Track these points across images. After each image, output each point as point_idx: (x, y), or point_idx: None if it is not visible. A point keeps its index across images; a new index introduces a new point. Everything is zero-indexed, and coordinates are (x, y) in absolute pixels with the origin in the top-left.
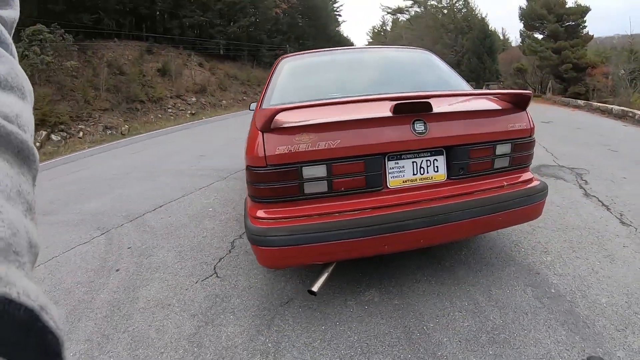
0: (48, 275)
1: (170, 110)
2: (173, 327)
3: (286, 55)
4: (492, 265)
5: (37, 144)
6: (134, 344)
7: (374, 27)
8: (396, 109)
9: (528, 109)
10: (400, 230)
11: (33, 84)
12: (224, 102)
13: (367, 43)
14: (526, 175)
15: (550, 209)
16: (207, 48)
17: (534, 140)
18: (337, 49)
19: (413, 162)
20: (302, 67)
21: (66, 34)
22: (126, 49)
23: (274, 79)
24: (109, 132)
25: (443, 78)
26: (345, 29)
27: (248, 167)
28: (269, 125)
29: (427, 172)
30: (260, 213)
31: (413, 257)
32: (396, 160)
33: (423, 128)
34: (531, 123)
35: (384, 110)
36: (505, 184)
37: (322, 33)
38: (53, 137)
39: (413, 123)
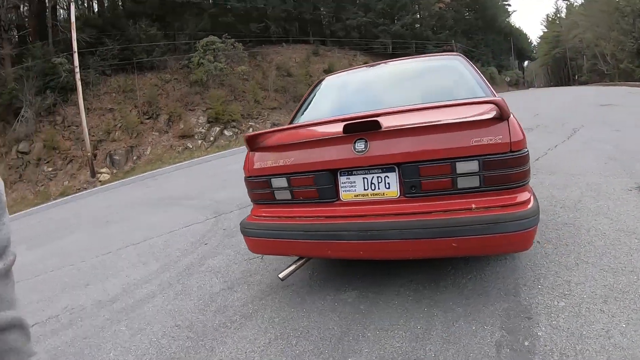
0: (163, 242)
1: None
2: (208, 286)
3: (329, 74)
4: (487, 296)
5: (212, 138)
6: (183, 293)
7: (547, 16)
8: (345, 129)
9: (515, 119)
10: (337, 239)
11: (208, 87)
12: None
13: (541, 33)
14: (521, 197)
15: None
16: (373, 48)
17: (522, 157)
18: (371, 65)
19: (364, 178)
20: (333, 85)
21: (237, 43)
22: (294, 52)
23: (309, 97)
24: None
25: (459, 87)
26: (516, 19)
27: (244, 177)
28: (252, 146)
29: (378, 188)
30: (254, 212)
31: (414, 271)
32: (347, 175)
33: (363, 147)
34: (513, 136)
35: (338, 130)
36: (474, 206)
37: (491, 25)
38: (226, 132)
39: (355, 142)
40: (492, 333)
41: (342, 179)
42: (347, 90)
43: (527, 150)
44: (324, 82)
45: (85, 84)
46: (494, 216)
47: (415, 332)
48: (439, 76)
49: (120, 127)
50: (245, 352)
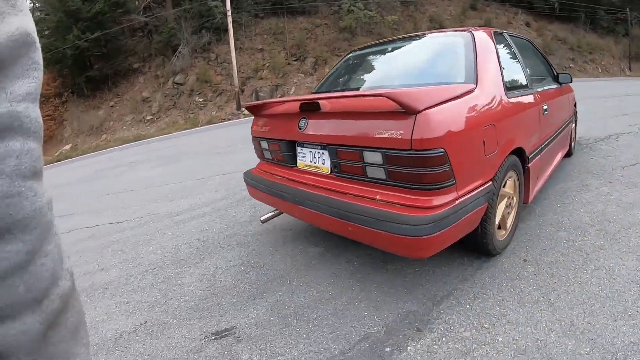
0: (240, 177)
1: None
2: (239, 216)
3: (356, 48)
4: (408, 293)
5: None
6: (220, 218)
7: None
8: (300, 107)
9: (438, 114)
10: (283, 199)
11: (356, 35)
12: None
13: None
14: (429, 201)
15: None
16: (536, 7)
17: (428, 157)
18: (384, 42)
19: (310, 152)
20: (348, 61)
21: None
22: (450, 4)
23: (333, 70)
24: None
25: (441, 71)
26: None
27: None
28: (253, 113)
29: (317, 163)
30: (257, 165)
31: (419, 279)
32: (301, 147)
33: (303, 124)
34: (417, 133)
35: (296, 107)
36: (378, 197)
37: None
38: None
39: (300, 120)
40: (374, 325)
41: (298, 149)
42: (350, 68)
43: (442, 151)
44: (347, 57)
45: (238, 25)
46: (387, 213)
47: (324, 295)
48: (433, 57)
49: (268, 66)
50: (215, 267)
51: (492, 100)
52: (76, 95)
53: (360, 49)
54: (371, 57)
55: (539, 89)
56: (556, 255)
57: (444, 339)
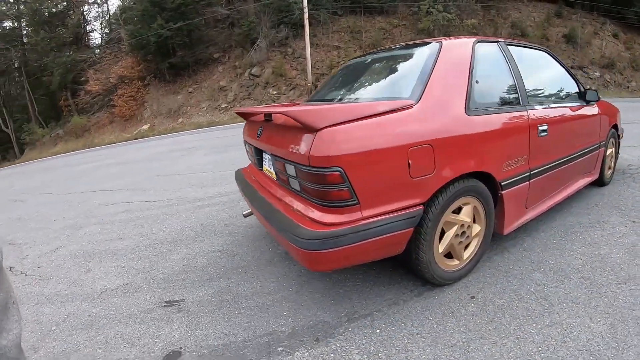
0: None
1: None
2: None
3: (352, 57)
4: (337, 303)
5: None
6: (232, 208)
7: None
8: (265, 117)
9: (337, 133)
10: (247, 198)
11: (433, 37)
12: (632, 83)
13: None
14: (325, 217)
15: None
16: (626, 17)
17: (321, 174)
18: (365, 54)
19: (268, 157)
20: (343, 70)
21: None
22: (534, 10)
23: (327, 79)
24: None
25: (399, 84)
26: None
27: None
28: (243, 118)
29: (271, 168)
30: (248, 165)
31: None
32: (265, 152)
33: (259, 133)
34: (314, 150)
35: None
36: (294, 207)
37: None
38: None
39: (258, 129)
40: (284, 325)
41: (263, 154)
42: (338, 78)
43: (338, 170)
44: (343, 66)
45: (316, 21)
46: (290, 223)
47: (264, 290)
48: (395, 70)
49: (342, 63)
50: (200, 250)
51: (434, 118)
52: (158, 80)
53: (354, 59)
54: (355, 68)
55: (539, 107)
56: (512, 299)
57: (332, 355)
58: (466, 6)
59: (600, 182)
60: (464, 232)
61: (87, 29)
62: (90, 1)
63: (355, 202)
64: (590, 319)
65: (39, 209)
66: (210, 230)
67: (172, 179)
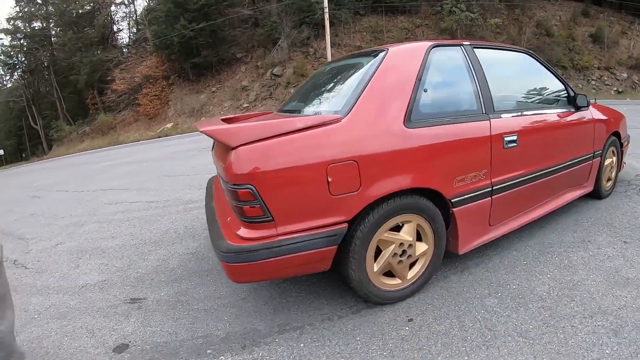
0: None
1: (593, 82)
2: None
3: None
4: (275, 313)
5: None
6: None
7: None
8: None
9: (250, 151)
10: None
11: (455, 37)
12: None
13: None
14: (241, 231)
15: None
16: None
17: (234, 191)
18: (338, 59)
19: None
20: (310, 79)
21: None
22: (560, 9)
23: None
24: None
25: (334, 97)
26: None
27: None
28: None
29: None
30: None
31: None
32: None
33: (212, 147)
34: (228, 167)
35: None
36: (229, 219)
37: None
38: None
39: (213, 142)
40: (221, 329)
41: None
42: (303, 87)
43: (249, 188)
44: (312, 74)
45: (338, 21)
46: (217, 234)
47: (216, 294)
48: (338, 81)
49: None
50: (175, 252)
51: (362, 133)
52: (182, 79)
53: (322, 66)
54: (316, 78)
55: (508, 115)
56: (453, 326)
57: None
58: (490, 5)
59: (596, 195)
60: (404, 252)
61: (114, 29)
62: (117, 2)
63: (269, 218)
64: (535, 358)
65: (51, 206)
66: (190, 233)
67: (175, 179)
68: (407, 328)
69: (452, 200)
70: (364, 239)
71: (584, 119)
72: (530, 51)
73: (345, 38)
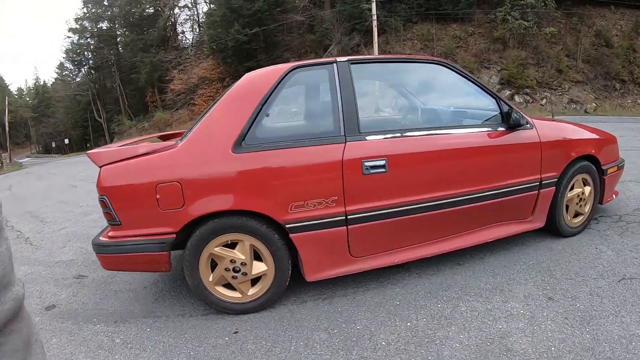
0: None
1: None
2: None
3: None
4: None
5: None
6: None
7: None
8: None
9: (105, 170)
10: None
11: (507, 47)
12: None
13: None
14: (109, 232)
15: None
16: None
17: (102, 200)
18: None
19: None
20: None
21: (548, 0)
22: (622, 18)
23: None
24: (573, 106)
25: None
26: None
27: None
28: None
29: None
30: None
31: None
32: None
33: None
34: (97, 181)
35: None
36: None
37: None
38: (516, 98)
39: None
40: (115, 307)
41: None
42: None
43: (104, 198)
44: None
45: (390, 29)
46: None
47: (144, 274)
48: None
49: None
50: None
51: (188, 158)
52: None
53: None
54: None
55: (378, 137)
56: (265, 349)
57: (112, 335)
58: (545, 13)
59: (558, 231)
60: (238, 269)
61: (177, 30)
62: (181, 5)
63: (118, 223)
64: None
65: (80, 196)
66: None
67: None
68: (226, 338)
69: (288, 226)
70: (193, 251)
71: (521, 140)
72: (445, 61)
73: (396, 46)
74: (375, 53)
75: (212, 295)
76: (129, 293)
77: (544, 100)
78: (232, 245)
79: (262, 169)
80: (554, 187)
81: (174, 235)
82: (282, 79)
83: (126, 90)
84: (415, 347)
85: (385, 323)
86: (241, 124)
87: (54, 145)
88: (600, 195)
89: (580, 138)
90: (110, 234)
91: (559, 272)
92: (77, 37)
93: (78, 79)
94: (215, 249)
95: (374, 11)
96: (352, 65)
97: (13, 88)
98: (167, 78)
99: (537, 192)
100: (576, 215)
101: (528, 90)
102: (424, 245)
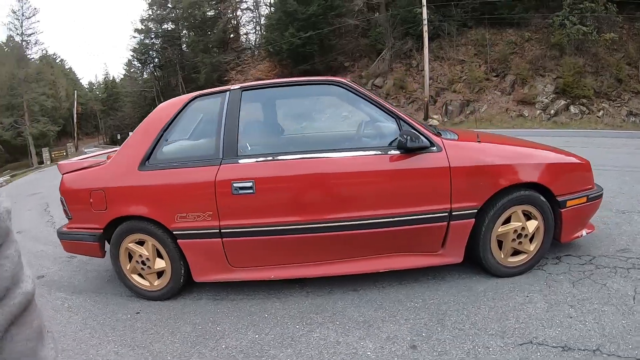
0: None
1: None
2: None
3: None
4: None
5: (553, 111)
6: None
7: None
8: None
9: (65, 177)
10: None
11: (564, 54)
12: None
13: None
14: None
15: None
16: None
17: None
18: None
19: None
20: None
21: (609, 4)
22: None
23: None
24: (632, 119)
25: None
26: None
27: None
28: None
29: None
30: None
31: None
32: None
33: None
34: (60, 185)
35: None
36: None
37: None
38: (572, 108)
39: None
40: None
41: None
42: None
43: (61, 198)
44: None
45: (444, 33)
46: None
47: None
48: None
49: (464, 79)
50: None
51: (109, 172)
52: None
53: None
54: None
55: (250, 160)
56: (155, 330)
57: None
58: (606, 18)
59: (490, 270)
60: (144, 262)
61: (239, 32)
62: (243, 7)
63: (70, 217)
64: None
65: None
66: None
67: None
68: (128, 315)
69: (175, 232)
70: (115, 244)
71: (421, 165)
72: (341, 82)
73: (450, 51)
74: (425, 58)
75: (128, 281)
76: (94, 273)
77: (601, 112)
78: (142, 243)
79: (156, 185)
80: (472, 219)
81: (102, 230)
82: (183, 108)
83: (187, 88)
84: (243, 357)
85: (240, 330)
86: (146, 147)
87: (119, 137)
88: (558, 231)
89: (516, 163)
90: (67, 225)
91: (453, 318)
92: (142, 37)
93: (145, 76)
94: (129, 244)
95: (424, 15)
96: (243, 92)
97: (84, 82)
98: (226, 79)
99: (446, 223)
100: (513, 253)
101: (584, 101)
102: (307, 266)
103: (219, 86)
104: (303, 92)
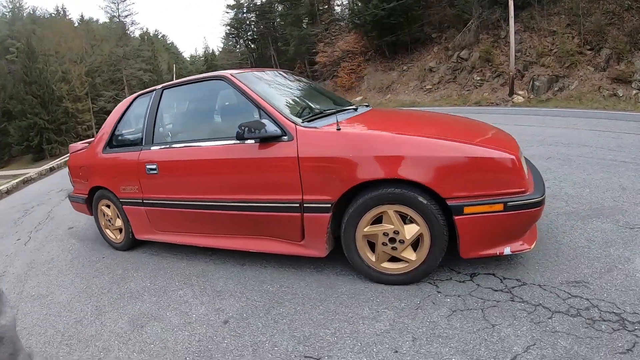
0: None
1: None
2: None
3: None
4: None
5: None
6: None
7: None
8: None
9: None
10: None
11: None
12: None
13: None
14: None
15: None
16: None
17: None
18: None
19: None
20: None
21: None
22: None
23: None
24: None
25: None
26: None
27: None
28: None
29: None
30: None
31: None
32: None
33: None
34: (68, 162)
35: None
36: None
37: None
38: None
39: None
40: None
41: None
42: None
43: (68, 172)
44: None
45: (536, 2)
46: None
47: (102, 252)
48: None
49: (555, 52)
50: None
51: (86, 155)
52: (378, 55)
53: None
54: None
55: (156, 147)
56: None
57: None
58: None
59: (360, 273)
60: (110, 220)
61: (331, 4)
62: None
63: (73, 186)
64: None
65: None
66: None
67: None
68: (96, 258)
69: (121, 200)
70: (94, 206)
71: (267, 155)
72: (225, 76)
73: (542, 21)
74: (511, 28)
75: (103, 234)
76: (92, 228)
77: None
78: (109, 207)
79: (110, 164)
80: (329, 214)
81: (87, 195)
82: (131, 103)
83: (280, 60)
84: (148, 295)
85: (151, 278)
86: (107, 136)
87: None
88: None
89: (381, 155)
90: (72, 192)
91: (282, 310)
92: (234, 12)
93: (240, 49)
94: (102, 206)
95: None
96: (164, 91)
97: (186, 55)
98: (314, 50)
99: (299, 214)
100: (377, 259)
101: None
102: (203, 237)
103: (309, 59)
104: (202, 88)
